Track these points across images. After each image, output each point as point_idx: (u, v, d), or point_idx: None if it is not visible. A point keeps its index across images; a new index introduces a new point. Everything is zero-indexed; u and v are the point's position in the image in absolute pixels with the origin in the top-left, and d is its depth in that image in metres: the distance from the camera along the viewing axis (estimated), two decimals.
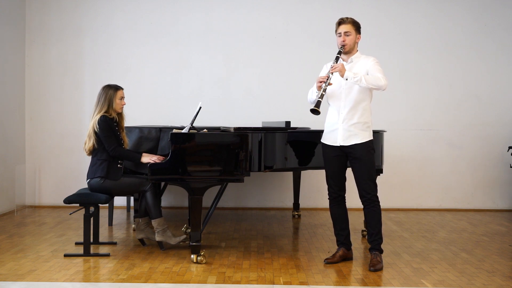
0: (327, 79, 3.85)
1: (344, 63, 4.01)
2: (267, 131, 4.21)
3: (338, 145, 4.01)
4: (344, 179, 4.15)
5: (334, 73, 3.89)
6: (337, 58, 3.95)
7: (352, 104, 3.96)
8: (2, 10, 6.13)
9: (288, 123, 5.20)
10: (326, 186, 6.51)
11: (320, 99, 3.83)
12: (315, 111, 3.81)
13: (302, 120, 6.29)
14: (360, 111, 3.98)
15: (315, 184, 6.66)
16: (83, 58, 6.66)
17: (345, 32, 3.97)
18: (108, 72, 6.59)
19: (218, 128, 5.11)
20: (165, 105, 6.63)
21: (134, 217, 4.92)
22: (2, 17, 6.12)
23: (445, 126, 6.70)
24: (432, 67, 6.68)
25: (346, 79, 3.86)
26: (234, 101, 6.65)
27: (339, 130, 3.99)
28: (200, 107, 4.44)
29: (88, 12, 6.65)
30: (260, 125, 6.11)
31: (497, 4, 6.68)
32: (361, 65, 4.00)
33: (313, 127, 5.94)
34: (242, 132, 4.07)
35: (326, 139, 4.11)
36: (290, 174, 6.32)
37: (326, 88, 3.85)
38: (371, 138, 4.04)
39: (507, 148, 6.51)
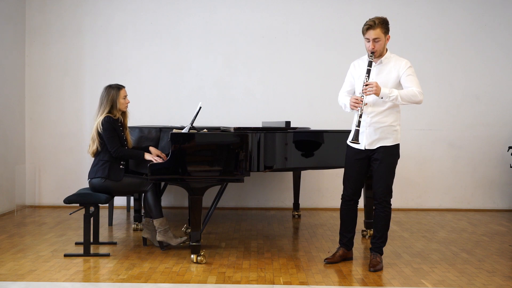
0: (362, 103, 3.75)
1: (373, 64, 3.88)
2: (267, 131, 4.20)
3: (363, 148, 3.95)
4: (361, 184, 4.10)
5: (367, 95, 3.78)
6: (368, 72, 3.77)
7: (379, 108, 3.87)
8: (2, 10, 6.13)
9: (288, 123, 5.20)
10: (326, 186, 6.63)
11: (358, 128, 3.76)
12: (354, 143, 3.84)
13: (302, 120, 6.31)
14: (388, 114, 3.88)
15: (315, 184, 6.66)
16: (83, 58, 6.66)
17: (374, 39, 3.78)
18: (108, 72, 6.59)
19: (218, 128, 5.12)
20: (165, 105, 6.63)
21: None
22: (2, 17, 6.12)
23: (445, 126, 6.69)
24: (432, 67, 6.68)
25: (382, 98, 3.75)
26: (234, 101, 6.65)
27: (365, 133, 3.91)
28: (200, 107, 4.44)
29: (88, 12, 6.65)
30: (260, 125, 6.12)
31: (497, 4, 6.68)
32: (392, 68, 3.87)
33: (313, 127, 5.96)
34: (242, 132, 4.07)
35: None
36: (290, 174, 6.32)
37: (362, 114, 3.77)
38: (398, 142, 3.94)
39: (507, 148, 6.51)
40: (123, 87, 4.53)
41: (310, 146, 4.51)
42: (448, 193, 6.72)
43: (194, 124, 4.49)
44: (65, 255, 4.25)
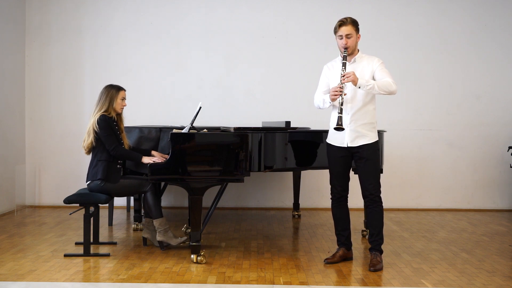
0: (342, 91, 3.79)
1: (347, 63, 3.96)
2: (267, 131, 4.20)
3: (346, 146, 3.99)
4: (348, 179, 4.13)
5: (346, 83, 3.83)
6: (344, 64, 3.86)
7: (359, 105, 3.93)
8: (2, 10, 6.13)
9: (288, 123, 5.19)
10: (326, 186, 6.55)
11: (340, 115, 3.76)
12: (339, 129, 3.79)
13: (302, 120, 6.30)
14: (367, 112, 3.95)
15: (315, 184, 6.66)
16: (83, 58, 6.66)
17: (347, 35, 3.89)
18: (108, 72, 6.59)
19: (218, 128, 5.11)
20: (165, 105, 6.63)
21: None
22: (2, 17, 6.12)
23: (445, 126, 6.70)
24: (432, 67, 6.68)
25: (359, 87, 3.82)
26: (234, 101, 6.65)
27: (347, 131, 3.95)
28: (200, 107, 4.44)
29: (88, 12, 6.65)
30: (260, 125, 6.11)
31: (497, 4, 6.68)
32: (365, 66, 3.96)
33: (313, 127, 5.95)
34: (242, 132, 4.07)
35: (332, 140, 4.07)
36: (290, 174, 6.32)
37: (343, 101, 3.80)
38: (377, 138, 4.03)
39: (507, 148, 6.51)
40: (124, 89, 4.54)
41: (310, 146, 4.51)
42: (448, 193, 6.72)
43: (194, 124, 4.49)
44: (65, 255, 4.25)
